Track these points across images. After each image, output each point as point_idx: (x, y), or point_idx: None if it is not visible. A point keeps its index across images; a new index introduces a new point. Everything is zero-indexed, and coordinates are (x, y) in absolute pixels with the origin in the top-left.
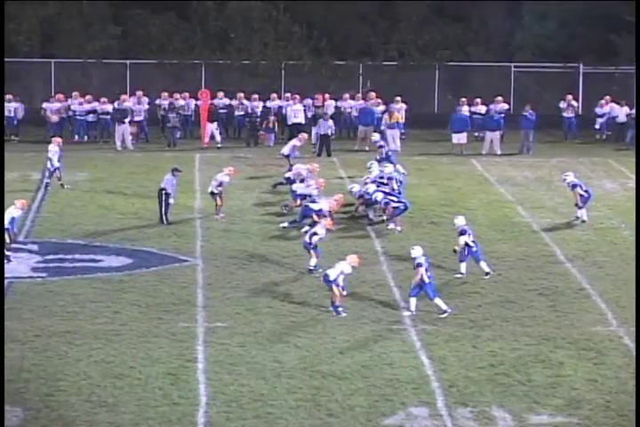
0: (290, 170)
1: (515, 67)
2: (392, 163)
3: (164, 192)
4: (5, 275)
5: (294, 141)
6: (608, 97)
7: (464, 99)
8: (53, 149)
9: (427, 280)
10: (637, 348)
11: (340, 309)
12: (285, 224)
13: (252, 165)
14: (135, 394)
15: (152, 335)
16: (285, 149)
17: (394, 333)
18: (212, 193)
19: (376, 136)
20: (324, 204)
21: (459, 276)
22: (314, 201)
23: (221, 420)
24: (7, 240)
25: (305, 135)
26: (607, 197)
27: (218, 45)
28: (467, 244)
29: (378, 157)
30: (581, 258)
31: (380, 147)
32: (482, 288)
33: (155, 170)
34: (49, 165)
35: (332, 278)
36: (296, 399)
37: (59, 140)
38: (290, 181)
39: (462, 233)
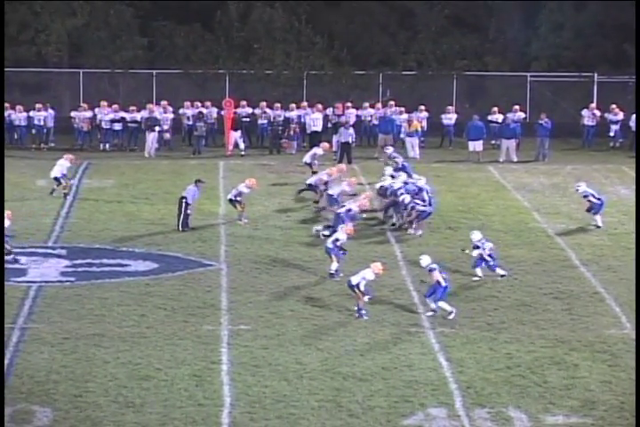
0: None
1: (531, 76)
2: (408, 173)
3: (184, 201)
4: (34, 279)
5: (315, 150)
6: (614, 105)
7: (451, 107)
8: (65, 163)
9: (443, 283)
10: (638, 348)
11: (362, 311)
12: (319, 228)
13: (274, 173)
14: (161, 395)
15: (177, 338)
16: (307, 158)
17: (413, 335)
18: (231, 200)
19: (390, 149)
20: (352, 205)
21: (476, 279)
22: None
23: (245, 420)
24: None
25: (326, 144)
26: (621, 204)
27: (241, 56)
28: (482, 256)
29: (393, 168)
30: (596, 262)
31: (394, 157)
32: (498, 292)
33: (180, 177)
34: (60, 175)
35: (353, 283)
36: (318, 400)
37: (72, 157)
38: (313, 188)
39: (476, 248)
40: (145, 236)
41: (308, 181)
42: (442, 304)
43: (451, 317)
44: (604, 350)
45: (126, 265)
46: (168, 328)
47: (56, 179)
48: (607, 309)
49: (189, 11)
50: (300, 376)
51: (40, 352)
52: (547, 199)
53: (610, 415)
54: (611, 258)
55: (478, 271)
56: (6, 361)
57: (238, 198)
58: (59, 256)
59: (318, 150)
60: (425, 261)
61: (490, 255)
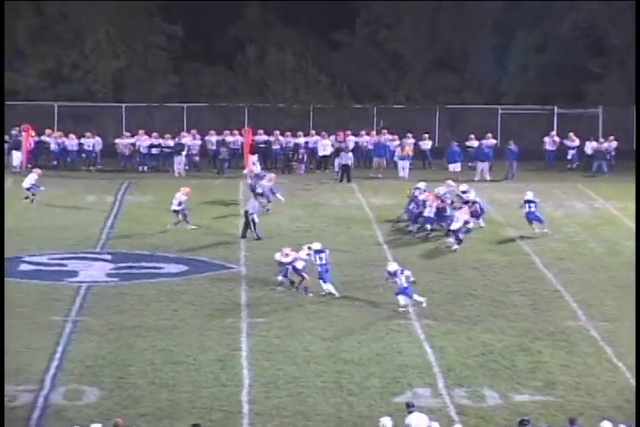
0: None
1: (501, 109)
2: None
3: (247, 213)
4: (84, 279)
5: (247, 172)
6: (571, 133)
7: (426, 134)
8: (33, 177)
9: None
10: (638, 347)
11: (308, 289)
12: (450, 240)
13: (286, 190)
14: (191, 377)
15: (205, 329)
16: (251, 180)
17: (402, 327)
18: (175, 211)
19: (257, 168)
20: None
21: (401, 310)
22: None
23: (261, 398)
24: None
25: (251, 161)
26: (577, 216)
27: (258, 91)
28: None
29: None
30: (556, 265)
31: (257, 175)
32: (474, 290)
33: (207, 193)
34: (30, 186)
35: (300, 267)
36: (322, 381)
37: (39, 171)
38: (264, 195)
39: (395, 275)
40: (177, 243)
41: (256, 191)
42: (327, 286)
43: (322, 293)
44: (562, 338)
45: (161, 268)
46: (197, 321)
47: (28, 189)
48: (565, 304)
49: (214, 54)
50: (308, 361)
51: (89, 341)
52: (514, 212)
53: (568, 394)
54: (568, 262)
55: (400, 300)
56: (60, 348)
57: (180, 207)
58: (105, 260)
59: (249, 171)
60: (315, 245)
61: (408, 282)
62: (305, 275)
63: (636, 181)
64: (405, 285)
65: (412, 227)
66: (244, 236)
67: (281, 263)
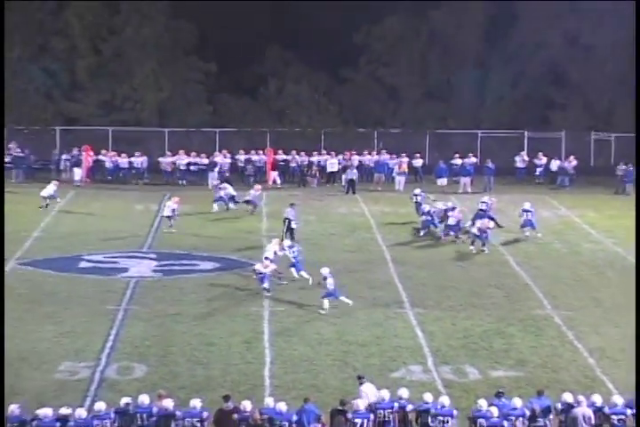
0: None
1: (480, 133)
2: (225, 202)
3: (287, 220)
4: (134, 274)
5: (224, 189)
6: (540, 153)
7: (418, 154)
8: (52, 188)
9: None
10: (637, 345)
11: (282, 277)
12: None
13: (301, 200)
14: (222, 356)
15: (233, 316)
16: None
17: (398, 314)
18: (167, 216)
19: (223, 184)
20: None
21: (322, 311)
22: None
23: (280, 373)
24: None
25: (226, 184)
26: (544, 222)
27: (278, 118)
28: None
29: (216, 198)
30: (526, 263)
31: (219, 188)
32: (457, 283)
33: (235, 204)
34: (49, 195)
35: (272, 258)
36: (332, 360)
37: (58, 183)
38: (250, 202)
39: (325, 279)
40: (210, 244)
41: (245, 198)
42: (302, 273)
43: (309, 282)
44: (531, 324)
45: (197, 265)
46: (227, 309)
47: (47, 197)
48: (534, 295)
49: (242, 87)
50: (319, 343)
51: (137, 326)
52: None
53: (536, 370)
54: (536, 260)
55: (325, 303)
56: (114, 332)
57: (173, 213)
58: (150, 259)
59: (226, 187)
60: (288, 242)
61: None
62: (274, 265)
63: (636, 195)
64: (331, 288)
65: (419, 231)
66: (290, 239)
67: (260, 273)
